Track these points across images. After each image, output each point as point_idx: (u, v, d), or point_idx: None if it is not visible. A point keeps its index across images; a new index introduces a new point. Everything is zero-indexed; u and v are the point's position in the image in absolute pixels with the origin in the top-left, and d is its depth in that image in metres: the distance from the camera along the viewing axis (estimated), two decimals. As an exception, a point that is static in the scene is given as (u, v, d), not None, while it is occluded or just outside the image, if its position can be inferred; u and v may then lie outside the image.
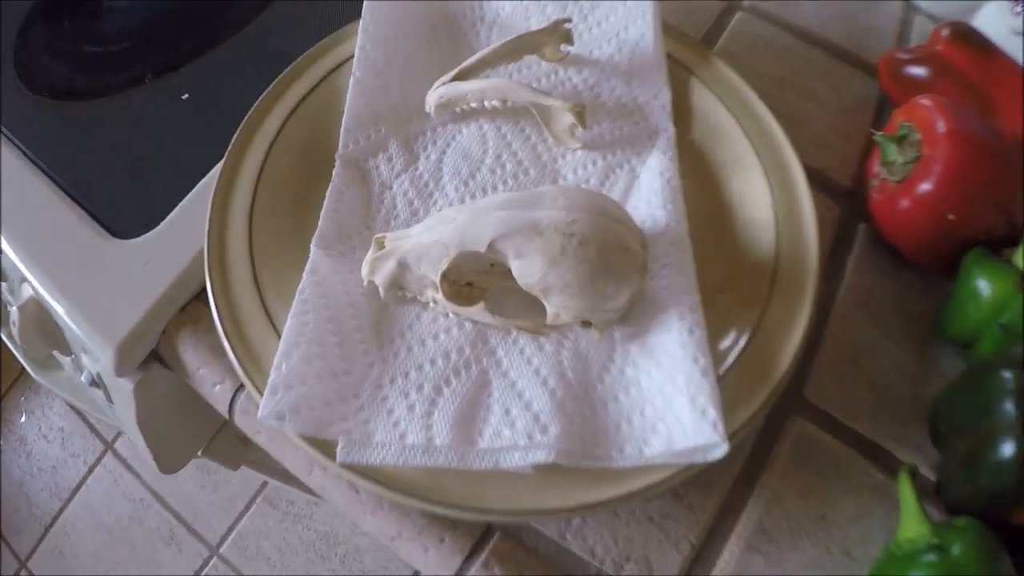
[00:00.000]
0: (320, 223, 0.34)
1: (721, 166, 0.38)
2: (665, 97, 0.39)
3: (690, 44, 0.41)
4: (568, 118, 0.36)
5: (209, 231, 0.34)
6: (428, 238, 0.30)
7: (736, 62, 0.45)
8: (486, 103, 0.37)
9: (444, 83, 0.37)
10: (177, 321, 0.36)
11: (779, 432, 0.35)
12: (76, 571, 1.06)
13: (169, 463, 0.45)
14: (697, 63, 0.40)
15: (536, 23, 0.41)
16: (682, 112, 0.39)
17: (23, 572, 1.07)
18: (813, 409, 0.35)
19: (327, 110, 0.38)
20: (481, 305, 0.29)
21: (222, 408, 0.35)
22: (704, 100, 0.39)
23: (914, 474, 0.30)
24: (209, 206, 0.35)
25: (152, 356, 0.37)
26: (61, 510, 1.10)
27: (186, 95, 0.43)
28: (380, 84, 0.38)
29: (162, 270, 0.36)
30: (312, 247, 0.33)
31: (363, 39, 0.39)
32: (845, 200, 0.41)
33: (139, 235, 0.38)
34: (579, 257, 0.28)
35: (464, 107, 0.37)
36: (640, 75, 0.39)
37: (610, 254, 0.28)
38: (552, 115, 0.36)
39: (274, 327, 0.32)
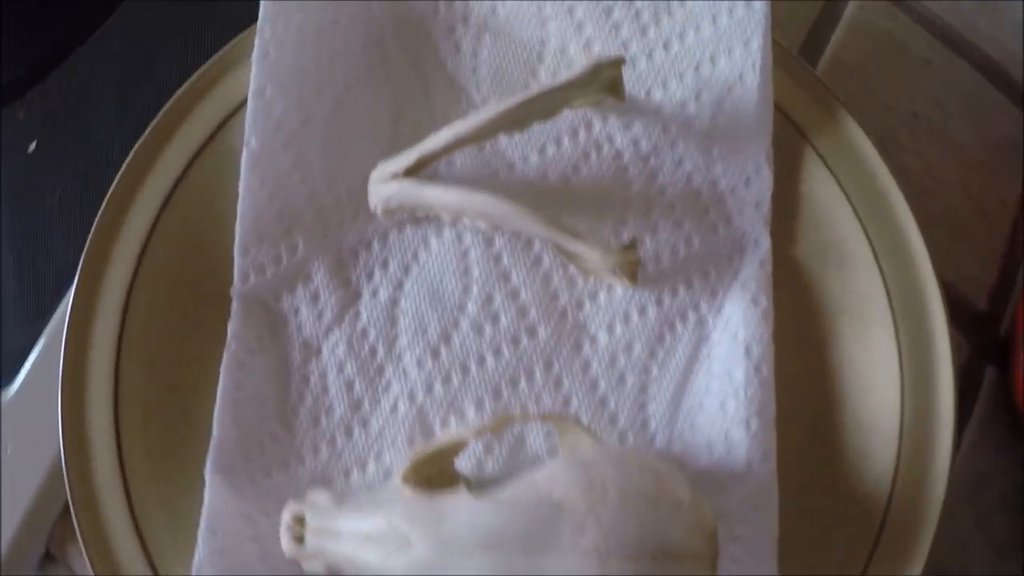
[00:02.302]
0: (215, 429, 0.22)
1: (834, 312, 0.24)
2: (764, 185, 0.24)
3: (804, 80, 0.25)
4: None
5: (64, 438, 0.22)
6: (366, 559, 0.18)
7: (855, 84, 0.28)
8: (467, 221, 0.22)
9: (396, 173, 0.22)
10: (63, 528, 0.25)
11: None
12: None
13: None
14: (815, 120, 0.24)
15: (557, 30, 0.24)
16: (783, 204, 0.24)
17: None
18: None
19: (223, 189, 0.23)
20: None
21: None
22: (820, 189, 0.24)
23: None
24: (59, 389, 0.22)
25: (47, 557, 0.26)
26: None
27: (33, 144, 0.27)
28: (292, 159, 0.23)
29: (28, 455, 0.25)
30: (207, 475, 0.21)
31: (260, 74, 0.22)
32: (976, 329, 0.28)
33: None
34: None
35: (430, 214, 0.23)
36: (728, 140, 0.24)
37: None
38: (580, 256, 0.22)
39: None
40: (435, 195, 0.21)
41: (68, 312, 0.23)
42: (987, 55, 0.30)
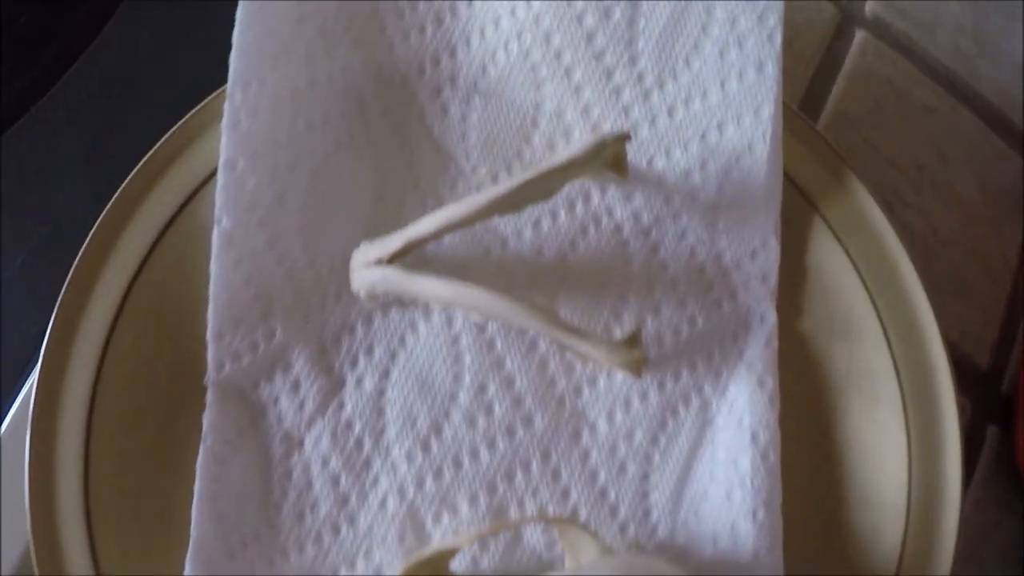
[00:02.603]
0: (193, 526, 0.20)
1: (840, 387, 0.23)
2: (771, 257, 0.23)
3: (806, 136, 0.23)
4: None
5: (33, 537, 0.20)
6: None
7: (857, 136, 0.27)
8: (458, 310, 0.21)
9: (381, 259, 0.20)
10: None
11: None
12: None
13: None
14: (821, 184, 0.23)
15: (553, 93, 0.22)
16: (789, 274, 0.23)
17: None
18: None
19: (194, 265, 0.22)
20: None
21: None
22: (828, 260, 0.23)
23: None
24: (25, 484, 0.20)
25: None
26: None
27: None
28: (267, 238, 0.21)
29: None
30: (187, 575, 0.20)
31: (231, 145, 0.20)
32: (979, 388, 0.28)
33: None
34: None
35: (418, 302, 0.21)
36: (734, 211, 0.22)
37: None
38: (581, 353, 0.21)
39: None
40: (423, 286, 0.20)
41: (32, 399, 0.21)
42: (988, 101, 0.29)
